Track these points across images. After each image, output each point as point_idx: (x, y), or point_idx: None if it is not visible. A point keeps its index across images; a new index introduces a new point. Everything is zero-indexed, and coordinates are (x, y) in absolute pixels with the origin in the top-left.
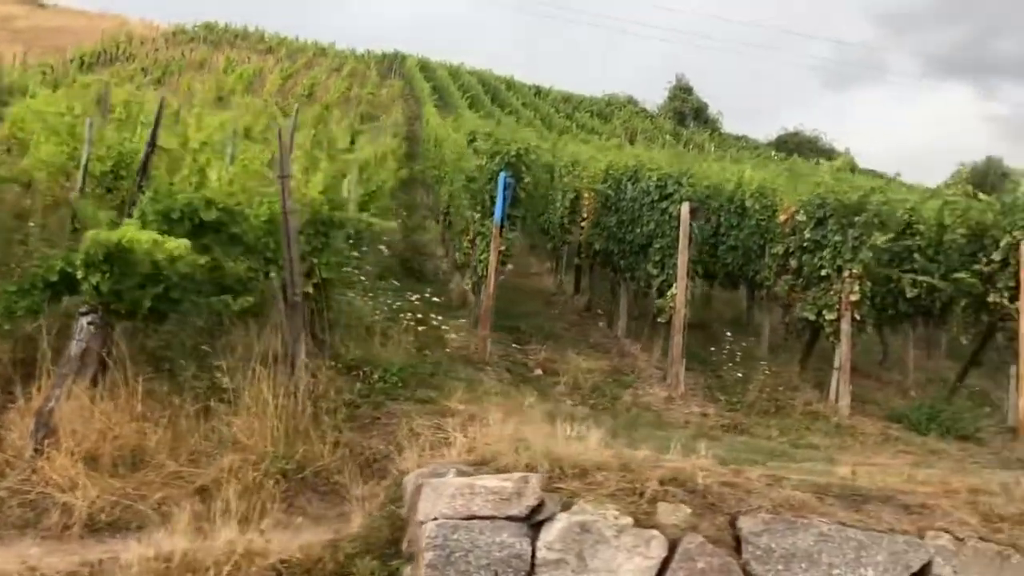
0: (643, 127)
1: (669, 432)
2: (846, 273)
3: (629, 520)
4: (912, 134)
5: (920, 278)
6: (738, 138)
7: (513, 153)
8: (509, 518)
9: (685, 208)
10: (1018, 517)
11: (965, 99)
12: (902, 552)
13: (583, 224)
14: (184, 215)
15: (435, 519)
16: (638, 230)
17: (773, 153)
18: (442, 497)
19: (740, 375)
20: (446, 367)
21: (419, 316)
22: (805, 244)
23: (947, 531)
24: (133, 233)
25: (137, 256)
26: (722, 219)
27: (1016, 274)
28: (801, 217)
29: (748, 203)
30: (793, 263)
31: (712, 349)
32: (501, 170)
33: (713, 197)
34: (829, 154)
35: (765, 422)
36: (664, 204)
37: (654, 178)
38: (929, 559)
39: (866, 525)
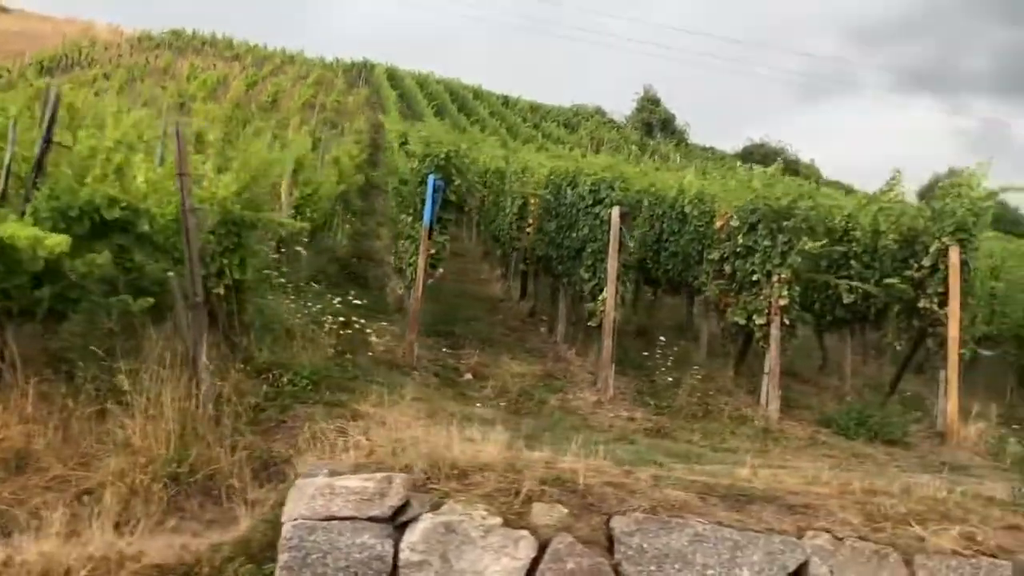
0: (609, 137)
1: (589, 436)
2: (775, 278)
3: (498, 520)
4: (882, 147)
5: (855, 284)
6: (704, 149)
7: (443, 156)
8: (371, 519)
9: (615, 212)
10: (901, 517)
11: (934, 113)
12: (778, 552)
13: (529, 230)
14: (84, 213)
15: (294, 520)
16: (574, 235)
17: (738, 164)
18: (303, 498)
19: (671, 380)
20: (367, 371)
21: (342, 319)
22: (738, 249)
23: (828, 531)
24: (13, 229)
25: (22, 253)
26: (664, 225)
27: (945, 279)
28: (735, 223)
29: (687, 209)
30: (727, 268)
31: (646, 354)
32: (430, 173)
33: (656, 204)
34: (794, 165)
35: (690, 426)
36: (597, 209)
37: (589, 183)
38: (806, 559)
39: (744, 525)
